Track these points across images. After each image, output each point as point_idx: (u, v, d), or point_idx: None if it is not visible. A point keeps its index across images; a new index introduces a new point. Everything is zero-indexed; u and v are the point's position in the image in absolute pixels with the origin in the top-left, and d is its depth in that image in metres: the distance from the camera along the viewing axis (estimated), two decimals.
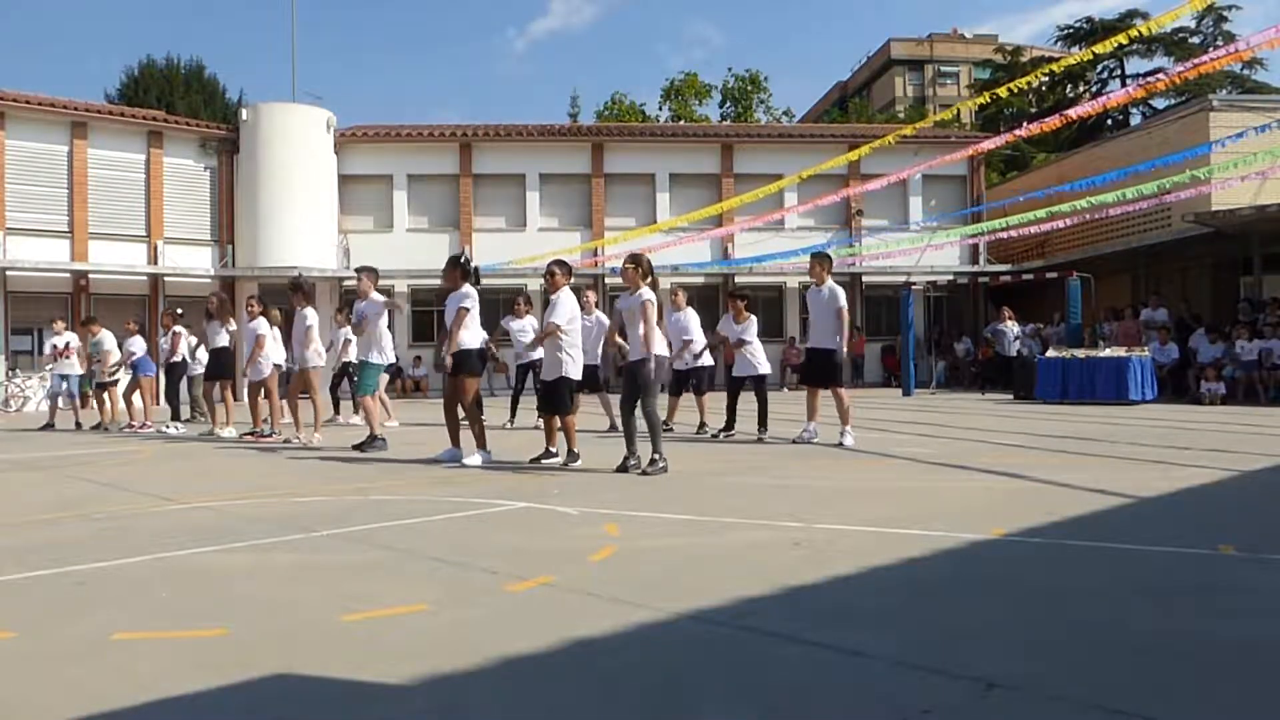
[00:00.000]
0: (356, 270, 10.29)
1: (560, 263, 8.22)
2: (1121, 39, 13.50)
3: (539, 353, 9.27)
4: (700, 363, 11.11)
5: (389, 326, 10.54)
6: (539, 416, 8.58)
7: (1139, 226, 22.09)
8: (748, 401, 10.69)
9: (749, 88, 46.24)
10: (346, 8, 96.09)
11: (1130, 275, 23.38)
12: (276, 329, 12.00)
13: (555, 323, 7.97)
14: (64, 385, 14.32)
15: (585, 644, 3.08)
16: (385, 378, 13.36)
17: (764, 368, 10.76)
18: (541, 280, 10.36)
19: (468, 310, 8.40)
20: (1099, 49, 14.94)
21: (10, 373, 20.46)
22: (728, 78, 48.45)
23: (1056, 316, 20.86)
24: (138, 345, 13.76)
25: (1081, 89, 41.07)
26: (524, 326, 11.92)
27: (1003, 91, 14.48)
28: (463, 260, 8.70)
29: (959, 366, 24.27)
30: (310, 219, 23.43)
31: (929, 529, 4.92)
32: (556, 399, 8.04)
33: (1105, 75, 41.48)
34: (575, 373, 8.06)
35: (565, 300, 8.08)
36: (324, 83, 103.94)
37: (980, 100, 16.45)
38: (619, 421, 8.87)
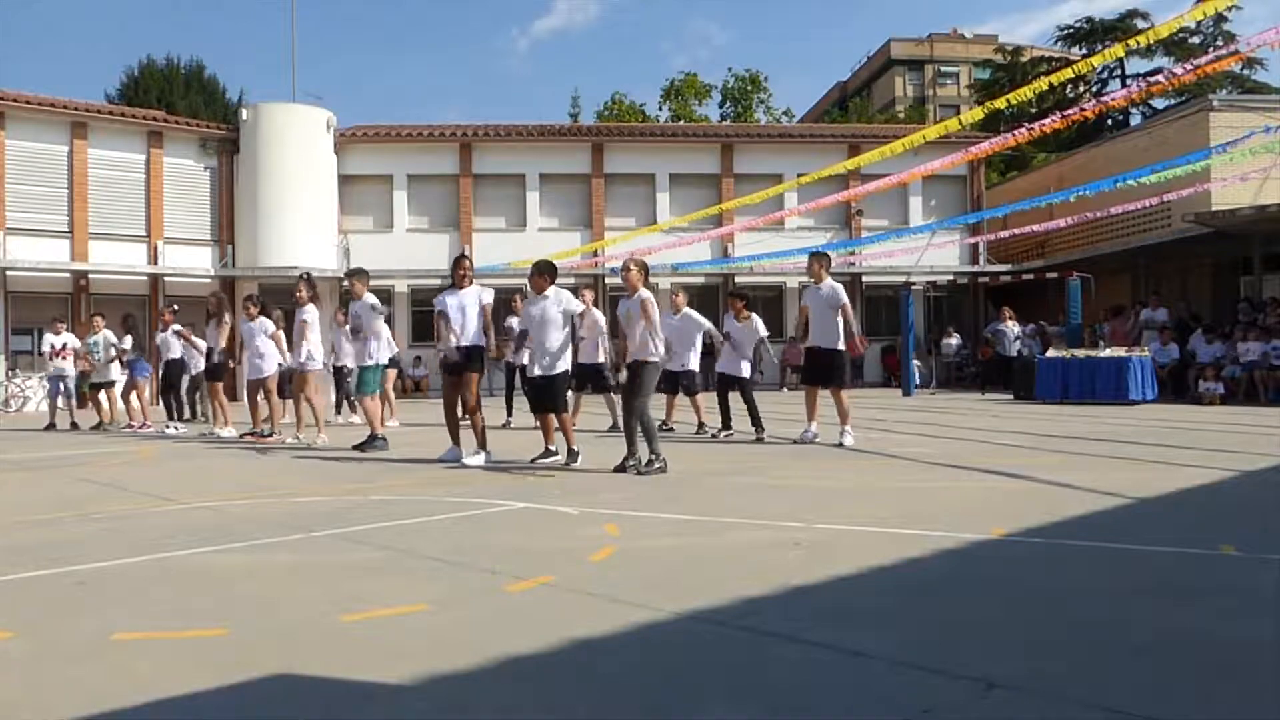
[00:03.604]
0: (347, 273, 10.30)
1: (546, 263, 8.25)
2: (1119, 51, 13.44)
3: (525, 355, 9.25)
4: (690, 365, 11.05)
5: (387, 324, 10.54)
6: (535, 416, 8.59)
7: (1139, 226, 22.07)
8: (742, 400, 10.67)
9: (749, 88, 46.17)
10: (346, 8, 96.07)
11: (1130, 275, 23.35)
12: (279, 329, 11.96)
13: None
14: (61, 386, 14.31)
15: (585, 644, 3.08)
16: (393, 373, 13.33)
17: (744, 371, 10.74)
18: None
19: (489, 307, 8.58)
20: (1097, 60, 14.90)
21: (10, 373, 20.46)
22: (728, 78, 48.45)
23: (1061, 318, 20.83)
24: (131, 344, 13.75)
25: (1082, 89, 41.03)
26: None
27: (1001, 103, 14.48)
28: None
29: (958, 365, 24.07)
30: (310, 219, 23.41)
31: (929, 529, 4.91)
32: (550, 397, 8.05)
33: (1105, 75, 41.47)
34: (566, 366, 8.10)
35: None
36: (324, 83, 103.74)
37: (981, 112, 16.36)
38: (621, 421, 8.88)
